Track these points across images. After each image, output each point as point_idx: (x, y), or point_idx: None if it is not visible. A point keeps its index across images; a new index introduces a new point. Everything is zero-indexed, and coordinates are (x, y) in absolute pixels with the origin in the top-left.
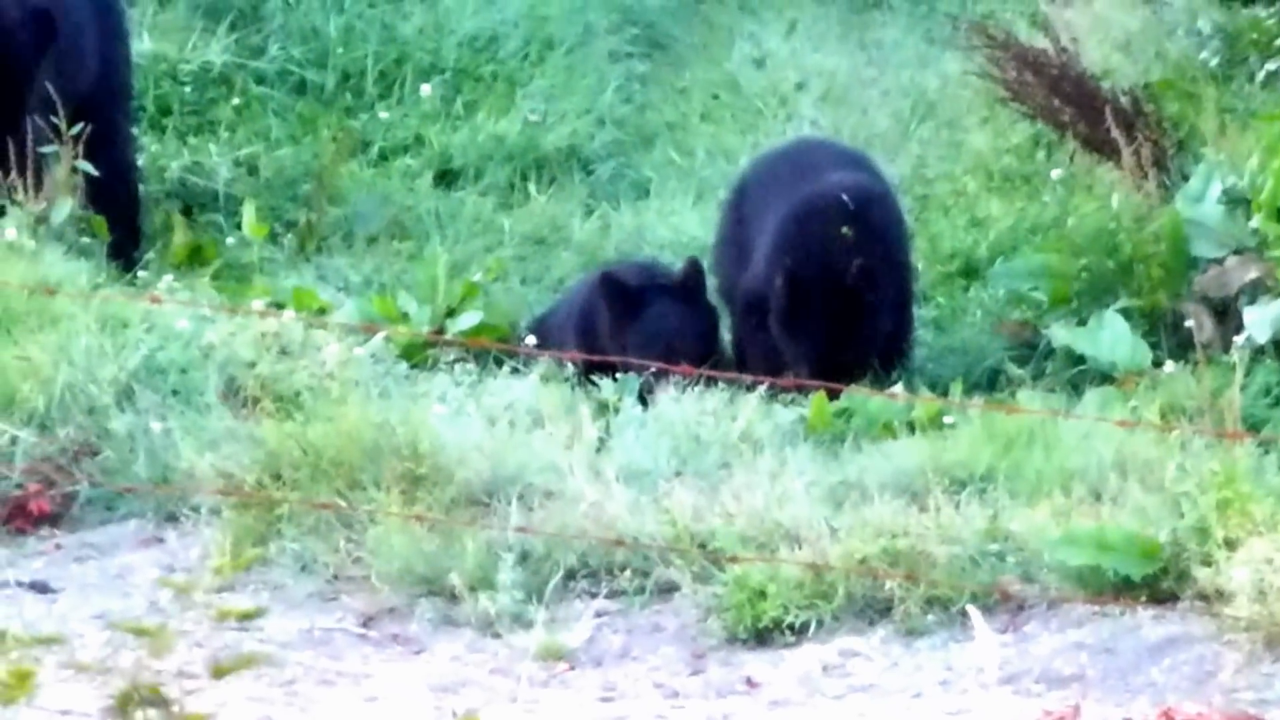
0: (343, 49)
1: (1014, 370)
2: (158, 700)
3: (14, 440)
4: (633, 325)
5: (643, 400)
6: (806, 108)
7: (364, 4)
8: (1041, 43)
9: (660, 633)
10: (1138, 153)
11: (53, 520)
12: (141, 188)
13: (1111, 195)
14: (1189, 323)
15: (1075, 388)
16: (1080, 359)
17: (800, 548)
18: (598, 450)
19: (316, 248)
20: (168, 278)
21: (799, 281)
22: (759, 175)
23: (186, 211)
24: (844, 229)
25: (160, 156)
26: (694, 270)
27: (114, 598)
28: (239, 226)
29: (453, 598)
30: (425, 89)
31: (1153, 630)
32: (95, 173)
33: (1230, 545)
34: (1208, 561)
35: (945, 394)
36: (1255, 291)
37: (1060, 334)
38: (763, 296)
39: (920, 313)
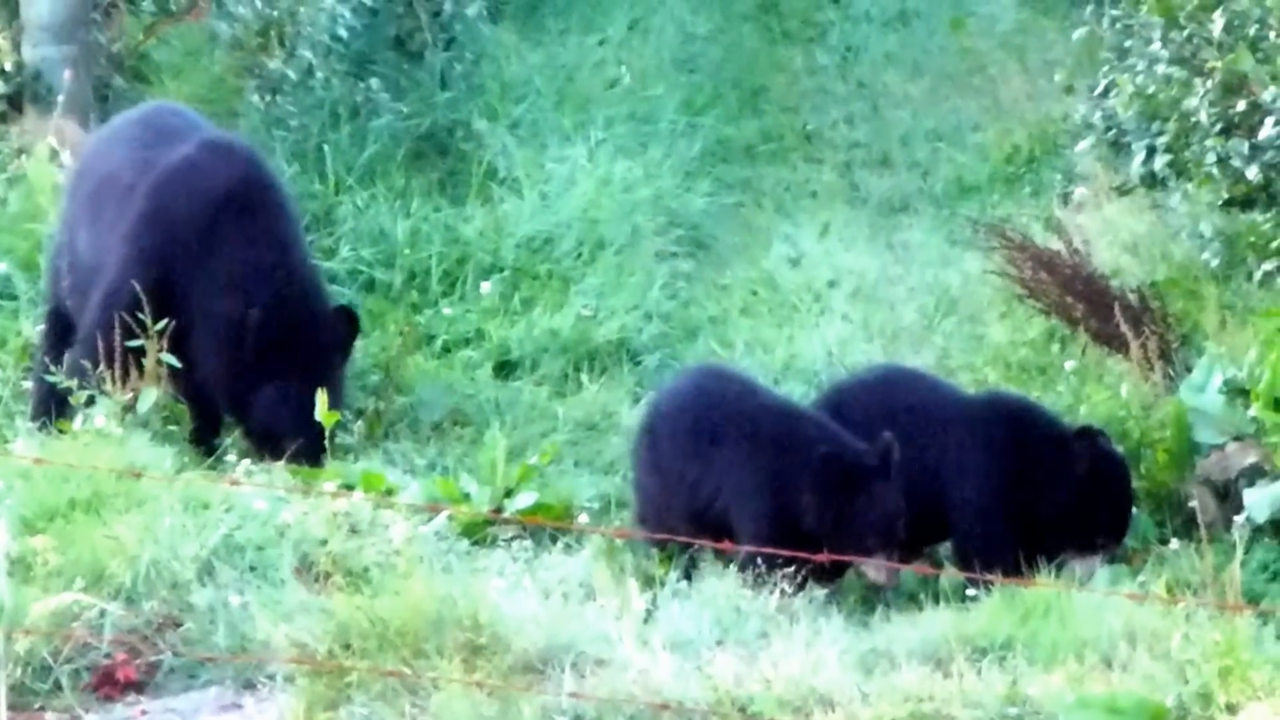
0: (409, 250)
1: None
2: None
3: (102, 613)
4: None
5: (688, 574)
6: (839, 303)
7: (429, 208)
8: (1055, 244)
9: None
10: (1145, 346)
11: (139, 687)
12: None
13: (1121, 385)
14: (1193, 503)
15: None
16: None
17: (833, 711)
18: (645, 621)
19: (384, 434)
20: (246, 462)
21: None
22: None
23: None
24: None
25: None
26: None
27: None
28: None
29: None
30: (485, 286)
31: None
32: (178, 364)
33: (1232, 710)
34: None
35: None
36: (1254, 475)
37: None
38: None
39: None
